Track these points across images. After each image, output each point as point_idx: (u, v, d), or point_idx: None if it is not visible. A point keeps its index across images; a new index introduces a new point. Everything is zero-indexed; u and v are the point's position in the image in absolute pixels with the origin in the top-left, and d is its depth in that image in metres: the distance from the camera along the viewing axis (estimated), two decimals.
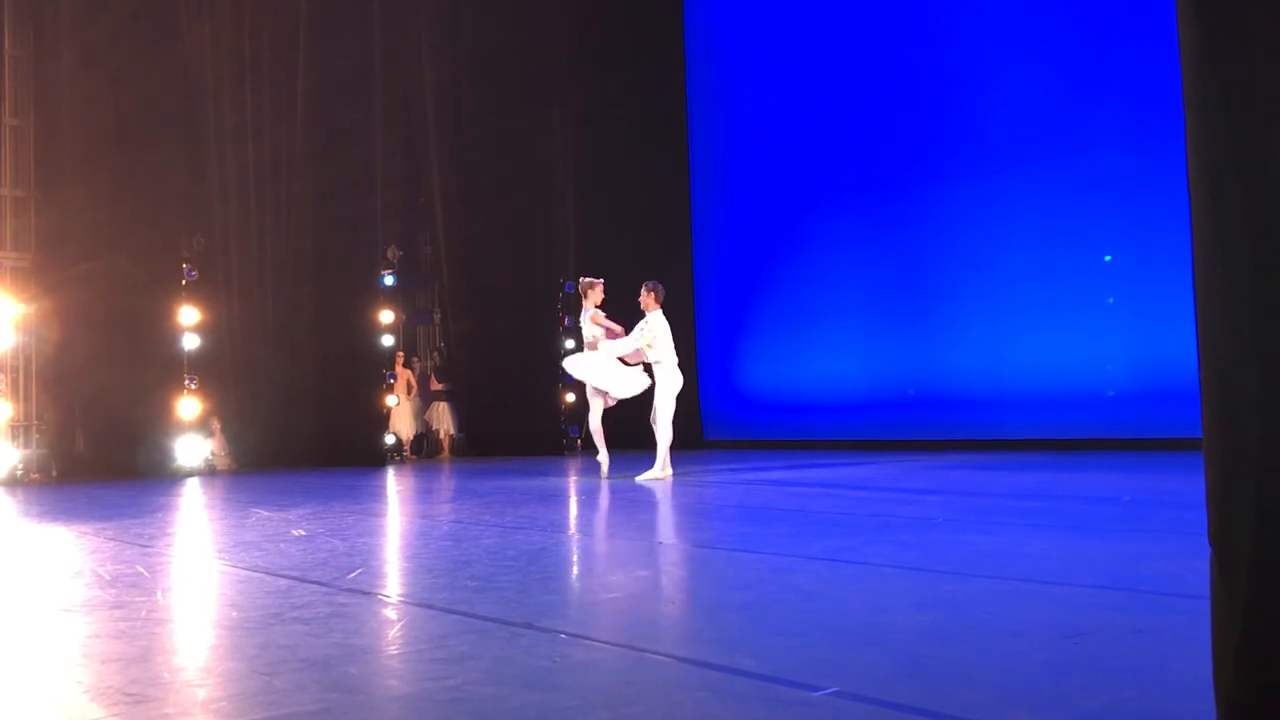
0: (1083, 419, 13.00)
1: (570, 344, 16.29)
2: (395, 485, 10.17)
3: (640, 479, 9.27)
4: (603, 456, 9.85)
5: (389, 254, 16.35)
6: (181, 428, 12.87)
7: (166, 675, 2.67)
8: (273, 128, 13.88)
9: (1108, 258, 12.83)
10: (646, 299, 9.60)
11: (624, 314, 10.01)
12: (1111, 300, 12.79)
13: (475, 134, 16.17)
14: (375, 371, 14.53)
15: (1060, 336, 13.19)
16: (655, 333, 9.43)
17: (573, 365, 9.95)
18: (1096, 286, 12.93)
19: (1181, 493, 6.73)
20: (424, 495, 9.16)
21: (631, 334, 9.57)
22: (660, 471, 9.41)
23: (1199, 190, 1.56)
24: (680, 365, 9.65)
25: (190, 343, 13.25)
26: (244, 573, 4.39)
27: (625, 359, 9.75)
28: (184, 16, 13.34)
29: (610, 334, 9.76)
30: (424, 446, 16.47)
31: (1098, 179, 12.85)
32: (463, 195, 16.12)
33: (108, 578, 4.30)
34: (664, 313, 9.61)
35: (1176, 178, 2.24)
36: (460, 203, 16.12)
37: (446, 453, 16.27)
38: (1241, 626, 1.51)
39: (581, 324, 9.89)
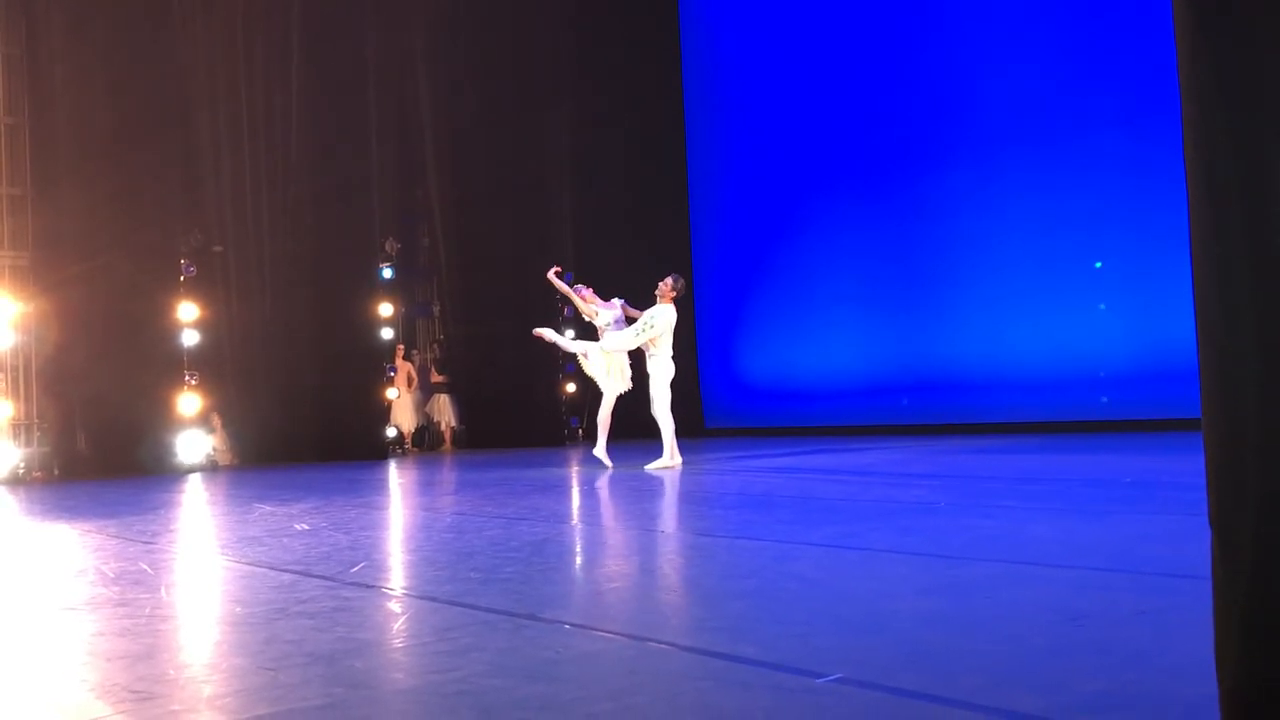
0: (1083, 401, 13.02)
1: (570, 334, 16.30)
2: (397, 478, 10.18)
3: (649, 468, 9.26)
4: (600, 450, 9.82)
5: (387, 247, 16.33)
6: (182, 424, 12.88)
7: (172, 672, 2.67)
8: (269, 127, 13.86)
9: (1098, 264, 12.88)
10: (664, 289, 9.47)
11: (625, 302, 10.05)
12: (1103, 307, 12.84)
13: (472, 128, 16.12)
14: (375, 365, 14.53)
15: (1060, 319, 13.19)
16: (659, 328, 9.36)
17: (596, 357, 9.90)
18: (1095, 271, 12.94)
19: (1182, 474, 6.74)
20: (426, 488, 9.17)
21: (630, 329, 9.54)
22: (669, 460, 9.40)
23: (1196, 177, 1.56)
24: (680, 354, 9.64)
25: (190, 339, 13.25)
26: (247, 568, 4.39)
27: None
28: (179, 15, 13.31)
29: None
30: (425, 439, 16.48)
31: (1095, 164, 12.83)
32: (461, 188, 16.09)
33: (111, 575, 4.31)
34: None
35: (1175, 161, 2.23)
36: (459, 195, 16.09)
37: (448, 445, 16.28)
38: (1243, 607, 1.51)
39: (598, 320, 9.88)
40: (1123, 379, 12.72)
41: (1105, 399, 12.80)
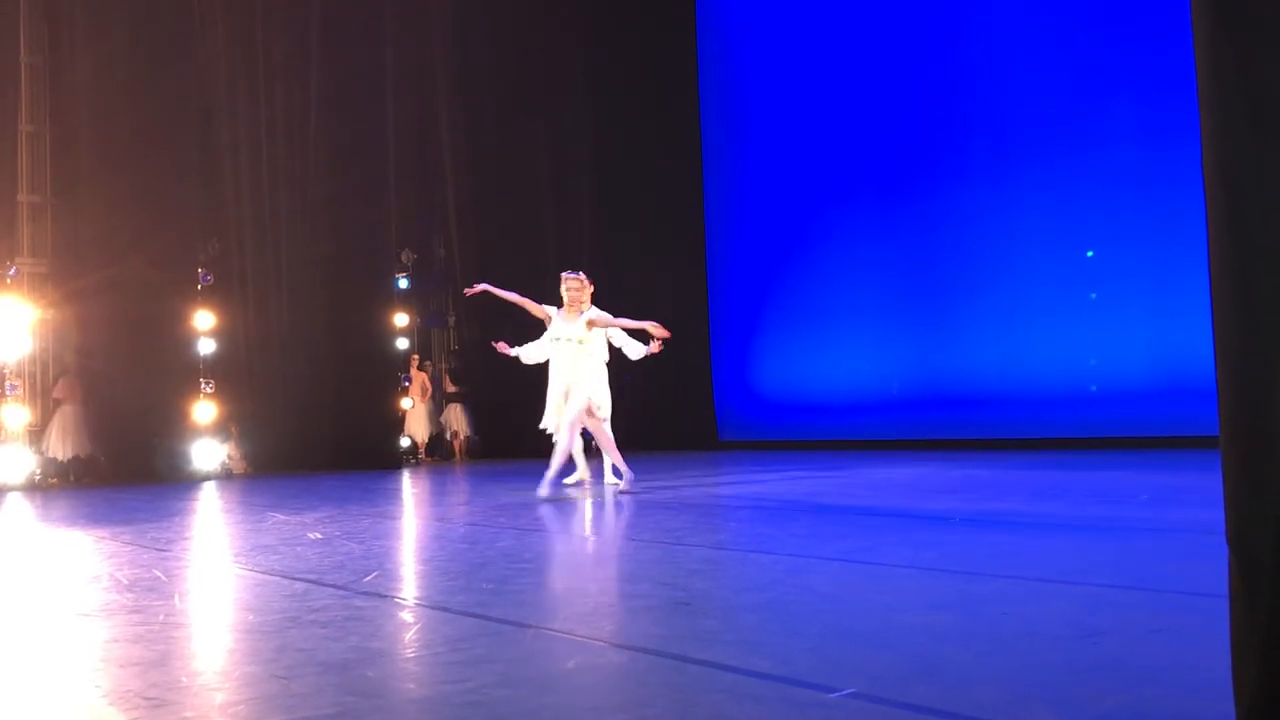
0: (1101, 417, 12.95)
1: None
2: (411, 488, 10.19)
3: (621, 487, 8.65)
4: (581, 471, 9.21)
5: (403, 257, 16.39)
6: (198, 431, 12.93)
7: (185, 679, 2.68)
8: (286, 134, 13.95)
9: (1090, 253, 12.87)
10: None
11: (623, 311, 9.79)
12: (1094, 295, 12.85)
13: (488, 137, 16.20)
14: (390, 374, 14.56)
15: (1077, 334, 13.13)
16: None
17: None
18: (1114, 284, 12.89)
19: (1198, 490, 6.69)
20: (439, 498, 9.18)
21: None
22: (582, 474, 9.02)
23: (1215, 191, 1.55)
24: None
25: (206, 347, 13.33)
26: (261, 576, 4.40)
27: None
28: (198, 24, 13.43)
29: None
30: (439, 449, 16.50)
31: (1114, 176, 12.79)
32: (476, 198, 16.15)
33: (125, 582, 4.33)
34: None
35: (1194, 174, 2.22)
36: (473, 206, 16.15)
37: (458, 456, 16.29)
38: (1263, 628, 1.50)
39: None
40: (1140, 395, 12.65)
41: (1094, 387, 12.85)
